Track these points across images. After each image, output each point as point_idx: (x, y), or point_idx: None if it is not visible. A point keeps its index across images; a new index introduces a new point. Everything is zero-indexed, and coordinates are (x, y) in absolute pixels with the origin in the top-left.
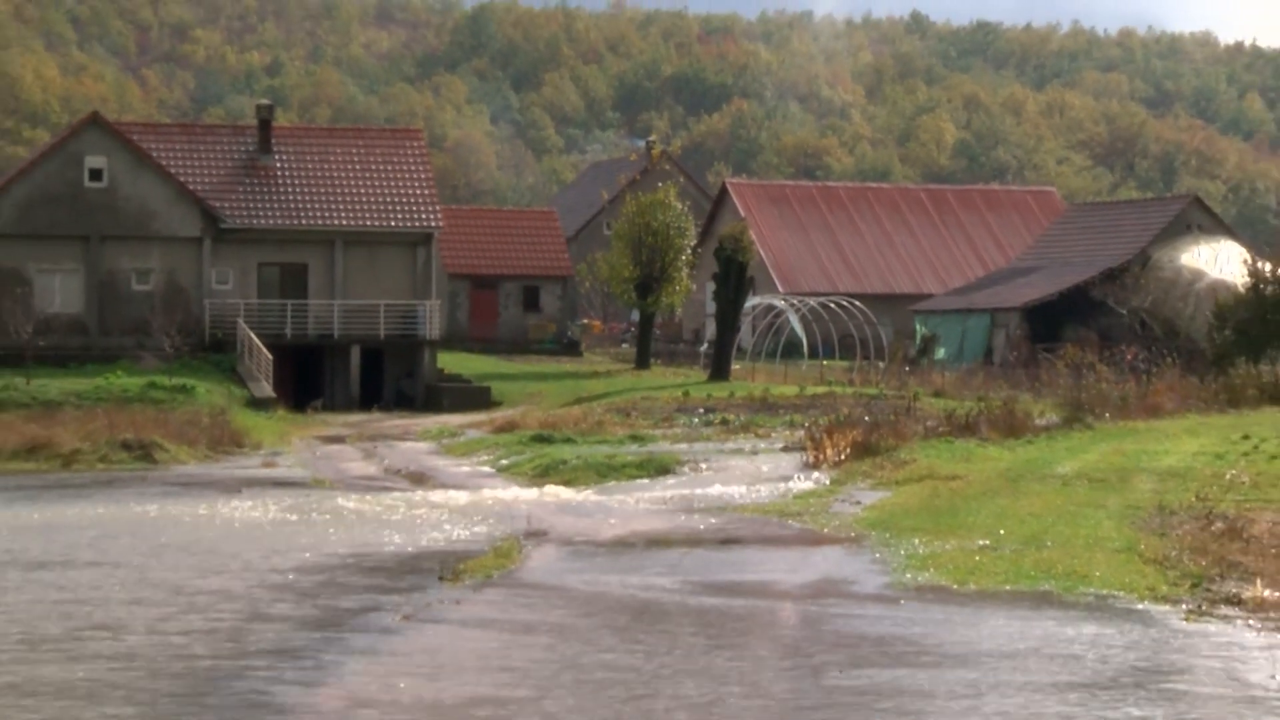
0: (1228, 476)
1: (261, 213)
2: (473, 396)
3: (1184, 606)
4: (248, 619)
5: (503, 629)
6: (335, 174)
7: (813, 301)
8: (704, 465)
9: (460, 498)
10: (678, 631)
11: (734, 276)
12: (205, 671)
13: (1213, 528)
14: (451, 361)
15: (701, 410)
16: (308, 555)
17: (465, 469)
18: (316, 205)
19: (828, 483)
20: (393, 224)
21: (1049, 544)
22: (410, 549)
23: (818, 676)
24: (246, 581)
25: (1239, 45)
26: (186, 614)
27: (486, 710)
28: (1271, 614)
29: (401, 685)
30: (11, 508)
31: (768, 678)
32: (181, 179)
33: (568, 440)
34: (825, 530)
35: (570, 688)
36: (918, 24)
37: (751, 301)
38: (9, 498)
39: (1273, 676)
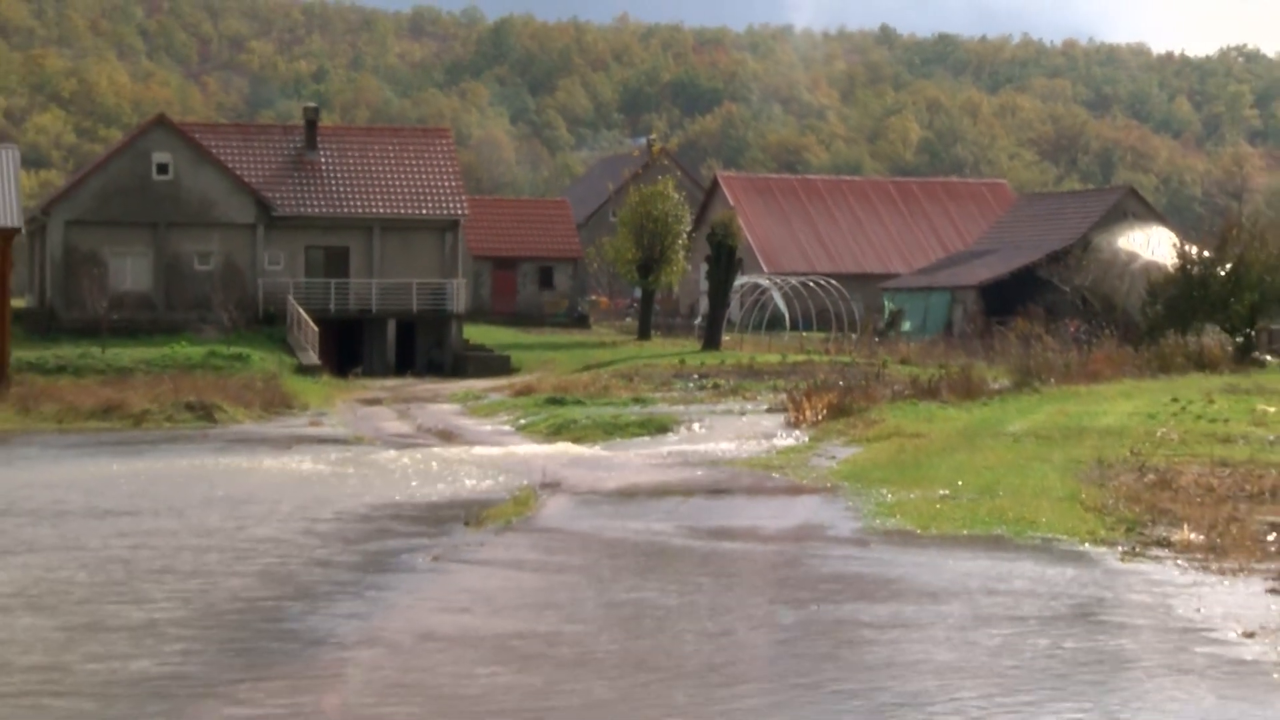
0: (1158, 434)
1: (308, 202)
2: (494, 364)
3: (1120, 549)
4: (295, 562)
5: (521, 569)
6: (373, 168)
7: (793, 280)
8: (698, 424)
9: (483, 453)
10: (678, 570)
11: (724, 258)
12: (257, 610)
13: (1145, 479)
14: (476, 333)
15: (696, 376)
16: (349, 504)
17: (488, 428)
18: (356, 196)
19: (806, 440)
20: (424, 212)
21: (1001, 494)
22: (439, 498)
23: (800, 607)
24: (294, 528)
25: (1169, 54)
26: (241, 557)
27: (512, 641)
28: (1197, 555)
29: (433, 620)
30: (89, 461)
31: (768, 605)
32: (237, 173)
33: (578, 402)
34: (804, 482)
35: (585, 620)
36: (886, 36)
37: (739, 280)
38: (88, 452)
39: (1198, 610)
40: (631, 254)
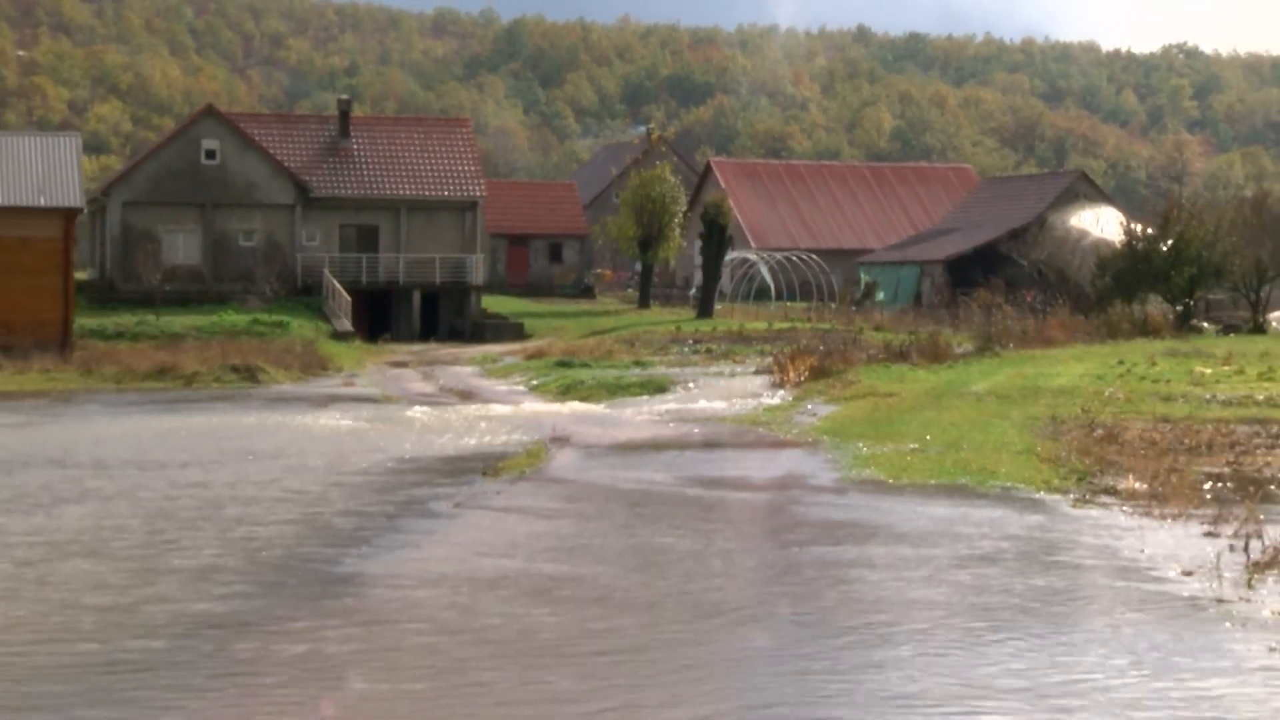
0: (1106, 393)
1: (342, 185)
2: (509, 330)
3: (1071, 496)
4: (332, 509)
5: (534, 514)
6: (400, 154)
7: (778, 255)
8: (692, 385)
9: (499, 411)
10: (674, 516)
11: (716, 235)
12: (299, 554)
13: (1094, 434)
14: (492, 302)
15: (690, 341)
16: (379, 457)
17: (503, 388)
18: (385, 179)
19: (790, 399)
20: (445, 194)
21: (965, 447)
22: (459, 451)
23: (785, 547)
24: (330, 479)
25: (1117, 51)
26: (282, 506)
27: (527, 578)
28: (1140, 502)
29: (456, 560)
30: (145, 417)
31: (751, 547)
32: (278, 158)
33: (584, 365)
34: (788, 436)
35: (593, 560)
36: (862, 35)
37: (730, 255)
38: (143, 409)
39: (1141, 551)
40: (632, 231)
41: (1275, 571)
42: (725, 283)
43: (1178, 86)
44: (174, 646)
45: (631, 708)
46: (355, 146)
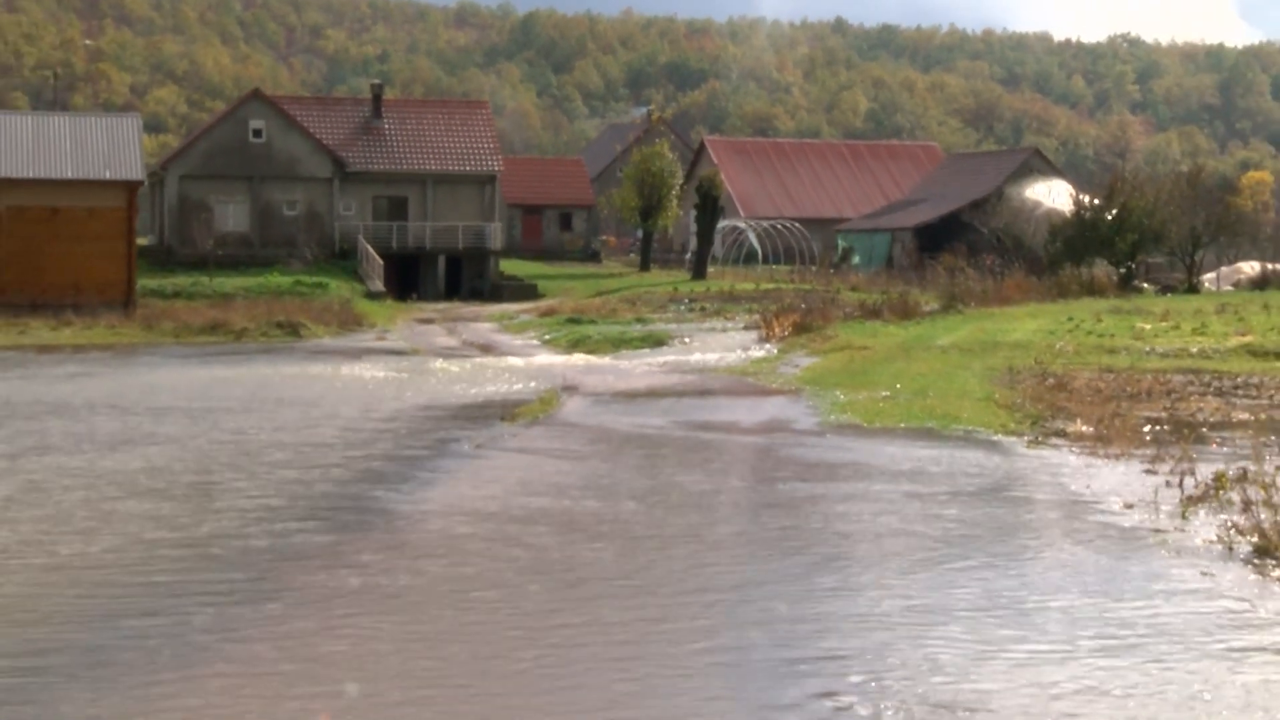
0: (1057, 347)
1: (374, 160)
2: (524, 291)
3: (1025, 438)
4: (367, 449)
5: (547, 455)
6: (426, 133)
7: (765, 223)
8: (688, 339)
9: (515, 362)
10: (672, 456)
11: (709, 206)
12: (342, 489)
13: (1046, 383)
14: (509, 266)
15: (686, 300)
16: (408, 403)
17: (519, 342)
18: (413, 155)
19: (775, 352)
20: (467, 168)
21: (931, 394)
22: (480, 398)
23: (771, 484)
24: (363, 421)
25: (1067, 40)
26: (323, 447)
27: (543, 504)
28: (1087, 443)
29: (479, 495)
30: (200, 367)
31: (741, 483)
32: (317, 136)
33: (591, 321)
34: (773, 385)
35: (599, 494)
36: (839, 26)
37: (722, 223)
38: (199, 361)
39: (1087, 486)
40: (634, 202)
41: (1206, 505)
42: (717, 248)
43: (1121, 72)
44: (248, 577)
45: (628, 617)
46: (386, 126)
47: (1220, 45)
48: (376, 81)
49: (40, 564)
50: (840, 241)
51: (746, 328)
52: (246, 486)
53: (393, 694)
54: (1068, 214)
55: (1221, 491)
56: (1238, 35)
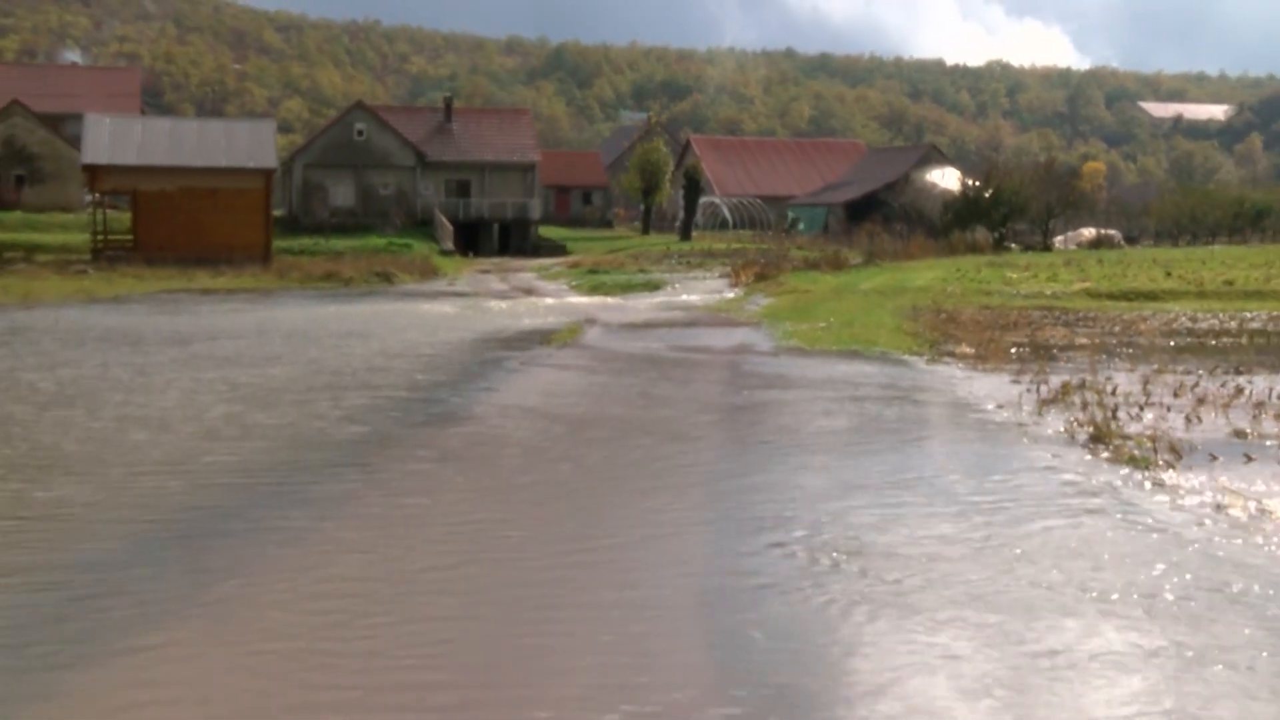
0: (948, 290)
1: (446, 153)
2: (556, 249)
3: (925, 357)
4: (442, 363)
5: (575, 369)
6: (484, 133)
7: (734, 200)
8: (677, 285)
9: (550, 302)
10: (666, 370)
11: (693, 187)
12: (420, 393)
13: (940, 317)
14: (545, 231)
15: (676, 256)
16: (472, 330)
17: (553, 286)
18: (474, 149)
19: (742, 294)
20: (514, 159)
21: (856, 325)
22: (524, 328)
23: (737, 390)
24: (439, 345)
25: (956, 65)
26: (407, 362)
27: (572, 405)
28: (969, 360)
29: (524, 399)
30: (320, 305)
31: (715, 389)
32: (404, 135)
33: (606, 272)
34: (740, 319)
35: (614, 397)
36: (790, 53)
37: (702, 200)
38: (317, 301)
39: (970, 392)
40: (638, 184)
41: (1056, 406)
42: (699, 218)
43: (996, 88)
44: (344, 455)
45: (626, 486)
46: (455, 128)
47: (1068, 69)
48: (447, 95)
49: (233, 434)
50: (790, 213)
51: (720, 276)
52: (346, 389)
53: (470, 497)
54: (956, 193)
55: (1067, 396)
56: (1080, 61)
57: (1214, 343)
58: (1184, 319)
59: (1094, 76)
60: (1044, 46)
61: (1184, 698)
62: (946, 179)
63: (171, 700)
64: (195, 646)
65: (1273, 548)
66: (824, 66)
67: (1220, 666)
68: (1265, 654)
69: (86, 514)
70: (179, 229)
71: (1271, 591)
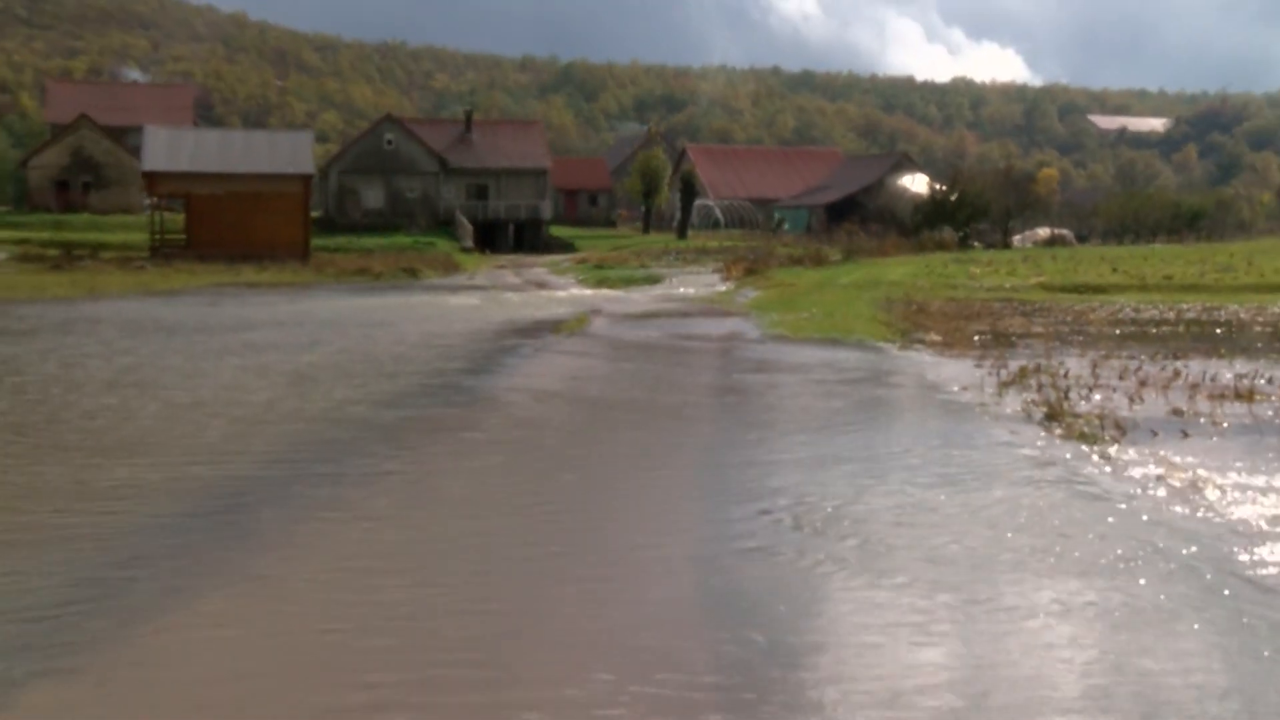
0: (918, 284)
1: (466, 160)
2: (566, 247)
3: (897, 344)
4: (463, 350)
5: (582, 355)
6: (500, 142)
7: (726, 202)
8: (675, 279)
9: (560, 294)
10: (665, 355)
11: (689, 190)
12: (442, 377)
13: (911, 308)
14: (556, 230)
15: (673, 253)
16: (490, 320)
17: (562, 280)
18: (491, 157)
19: (733, 288)
20: (527, 165)
21: (836, 316)
22: (536, 318)
23: (729, 374)
24: (460, 332)
25: (926, 81)
26: (430, 349)
27: (581, 387)
28: (937, 347)
29: (536, 379)
30: (352, 298)
31: (709, 373)
32: (428, 144)
33: (610, 267)
34: (731, 309)
35: (617, 379)
36: (776, 70)
37: (697, 202)
38: (349, 293)
39: (938, 376)
40: (639, 188)
41: (1014, 387)
42: (694, 219)
43: (960, 102)
44: (385, 433)
45: (625, 455)
46: (474, 138)
47: (1024, 85)
48: (467, 108)
49: (288, 409)
50: (776, 214)
51: (714, 271)
52: (375, 374)
53: (498, 456)
54: (925, 196)
55: (1024, 378)
56: (1034, 79)
57: (1154, 331)
58: (1128, 310)
59: (1047, 92)
60: (1002, 65)
61: (1120, 642)
62: (916, 184)
63: (265, 618)
64: (298, 572)
65: (1204, 513)
66: (806, 82)
67: (1153, 614)
68: (1193, 605)
69: (155, 489)
70: (227, 229)
71: (1199, 549)
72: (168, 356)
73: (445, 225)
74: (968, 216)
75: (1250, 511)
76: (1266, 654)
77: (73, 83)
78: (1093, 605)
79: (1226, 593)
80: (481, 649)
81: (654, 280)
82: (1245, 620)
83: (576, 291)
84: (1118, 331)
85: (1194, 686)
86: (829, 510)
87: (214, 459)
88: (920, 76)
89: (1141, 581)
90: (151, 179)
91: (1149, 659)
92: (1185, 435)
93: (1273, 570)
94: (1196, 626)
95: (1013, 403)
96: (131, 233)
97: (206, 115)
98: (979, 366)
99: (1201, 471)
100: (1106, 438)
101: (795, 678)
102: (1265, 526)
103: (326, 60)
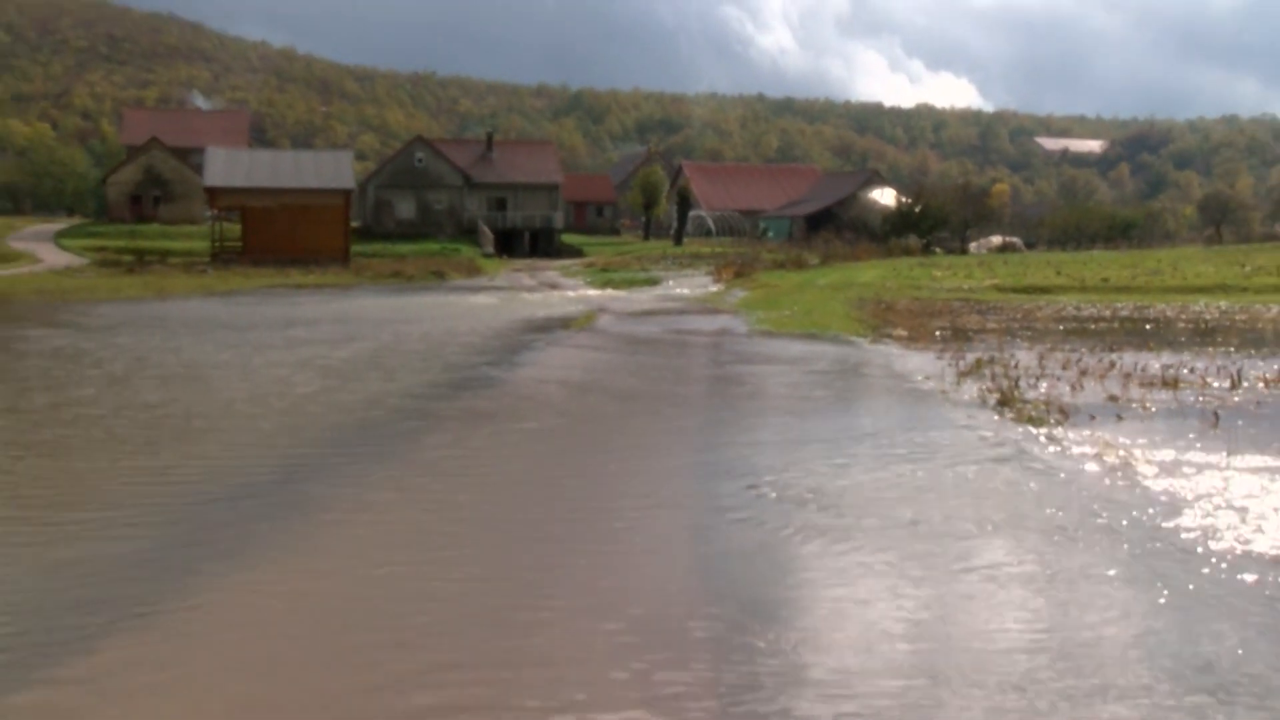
0: (887, 285)
1: (487, 176)
2: (575, 252)
3: (868, 339)
4: (482, 344)
5: (590, 349)
6: (518, 161)
7: (717, 213)
8: (672, 281)
9: (570, 294)
10: (663, 348)
11: (684, 202)
12: (463, 367)
13: (880, 306)
14: (567, 238)
15: (671, 258)
16: (508, 317)
17: (572, 282)
18: (510, 173)
19: (723, 289)
20: (541, 180)
21: (814, 313)
22: (549, 315)
23: (720, 365)
24: (481, 328)
25: (893, 106)
26: (454, 343)
27: (590, 377)
28: (903, 341)
29: (550, 369)
30: (387, 298)
31: (702, 364)
32: (454, 162)
33: (615, 270)
34: (722, 308)
35: (621, 371)
36: (761, 97)
37: (691, 213)
38: (386, 294)
39: (904, 367)
40: (640, 200)
41: (971, 377)
42: (689, 228)
43: (923, 125)
44: (420, 420)
45: (629, 437)
46: (494, 156)
47: (979, 110)
48: (489, 130)
49: (344, 398)
50: (761, 224)
51: (706, 274)
52: (404, 366)
53: (523, 426)
54: (893, 208)
55: (979, 369)
56: (987, 105)
57: (1093, 327)
58: (1070, 309)
59: (999, 117)
60: (959, 93)
61: (1060, 601)
62: (885, 197)
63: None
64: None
65: (1135, 487)
66: (788, 108)
67: (1089, 577)
68: (1123, 567)
69: (224, 468)
70: (278, 237)
71: (1129, 520)
72: (224, 351)
73: (469, 233)
74: (930, 226)
75: (1174, 484)
76: (1174, 602)
77: (145, 110)
78: (1035, 560)
79: (1150, 550)
80: (540, 570)
81: (654, 282)
82: (1158, 579)
83: (585, 292)
84: (1061, 328)
85: (1114, 623)
86: (807, 485)
87: (293, 426)
88: (888, 103)
89: (1079, 545)
90: (212, 193)
91: (1079, 609)
92: (1119, 419)
93: (1192, 534)
94: (1116, 576)
95: (970, 390)
96: (195, 241)
97: (260, 137)
98: (940, 358)
99: (1134, 450)
100: (1051, 421)
101: (782, 610)
102: (1188, 497)
103: (365, 88)
